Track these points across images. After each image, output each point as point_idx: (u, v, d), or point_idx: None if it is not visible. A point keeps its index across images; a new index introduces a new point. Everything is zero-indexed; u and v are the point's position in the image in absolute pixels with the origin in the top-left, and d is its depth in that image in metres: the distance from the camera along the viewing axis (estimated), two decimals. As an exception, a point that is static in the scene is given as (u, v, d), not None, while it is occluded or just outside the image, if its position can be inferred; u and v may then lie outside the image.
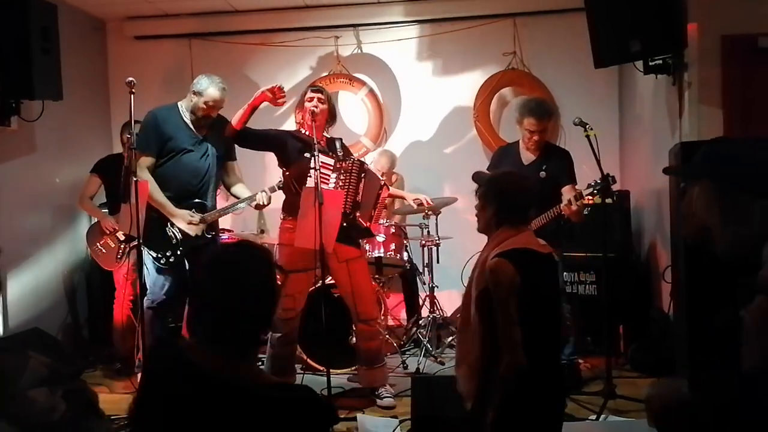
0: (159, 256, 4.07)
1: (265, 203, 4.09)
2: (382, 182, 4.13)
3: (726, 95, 3.67)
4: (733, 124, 3.65)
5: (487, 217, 2.69)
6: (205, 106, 4.06)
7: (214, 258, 1.72)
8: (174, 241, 4.06)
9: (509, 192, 2.69)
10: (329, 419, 1.65)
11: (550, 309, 2.56)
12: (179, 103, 4.16)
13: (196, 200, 4.13)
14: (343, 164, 3.92)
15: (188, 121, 4.10)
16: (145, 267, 4.05)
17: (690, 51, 3.75)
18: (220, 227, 5.87)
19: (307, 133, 4.00)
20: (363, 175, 3.98)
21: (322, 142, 4.01)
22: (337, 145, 4.12)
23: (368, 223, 4.02)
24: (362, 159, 4.15)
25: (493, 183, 2.74)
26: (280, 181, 4.11)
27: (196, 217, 4.09)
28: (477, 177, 2.94)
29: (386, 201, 4.30)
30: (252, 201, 4.13)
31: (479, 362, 2.51)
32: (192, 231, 4.07)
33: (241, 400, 1.53)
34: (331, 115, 4.10)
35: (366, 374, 4.11)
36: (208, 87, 4.06)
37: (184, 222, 4.05)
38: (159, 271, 4.10)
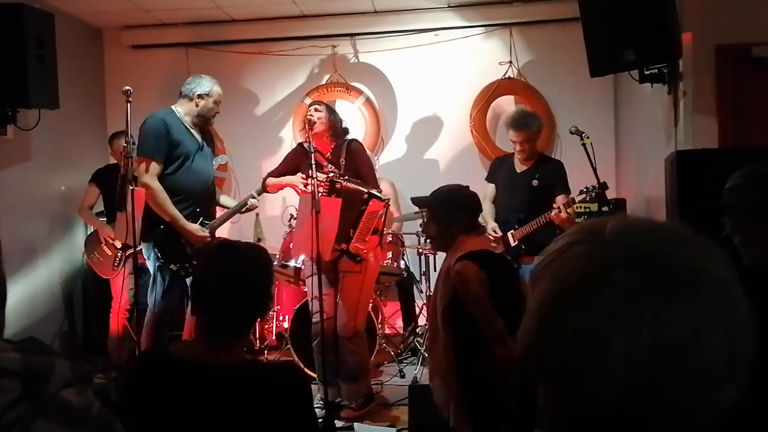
0: (179, 267, 3.95)
1: (256, 206, 4.20)
2: (366, 195, 3.87)
3: (720, 104, 3.68)
4: (728, 133, 3.66)
5: (454, 232, 2.72)
6: (215, 106, 4.05)
7: (215, 254, 1.84)
8: (189, 250, 3.98)
9: (471, 202, 2.78)
10: (303, 389, 1.72)
11: (517, 307, 2.60)
12: (174, 108, 4.08)
13: (204, 209, 4.09)
14: (319, 181, 3.74)
15: (189, 127, 4.07)
16: (156, 277, 3.98)
17: (684, 60, 3.77)
18: (218, 236, 5.88)
19: (312, 146, 3.89)
20: (334, 195, 3.82)
21: (328, 153, 4.03)
22: (343, 151, 4.01)
23: (343, 245, 3.85)
24: (339, 177, 3.88)
25: (454, 198, 2.79)
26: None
27: (206, 231, 4.00)
28: (417, 201, 2.99)
29: (377, 216, 3.93)
30: (244, 206, 4.14)
31: (450, 372, 2.53)
32: (201, 245, 3.98)
33: (219, 384, 1.62)
34: (331, 125, 4.02)
35: (343, 387, 4.04)
36: (213, 86, 4.06)
37: (195, 237, 3.95)
38: (172, 283, 3.99)
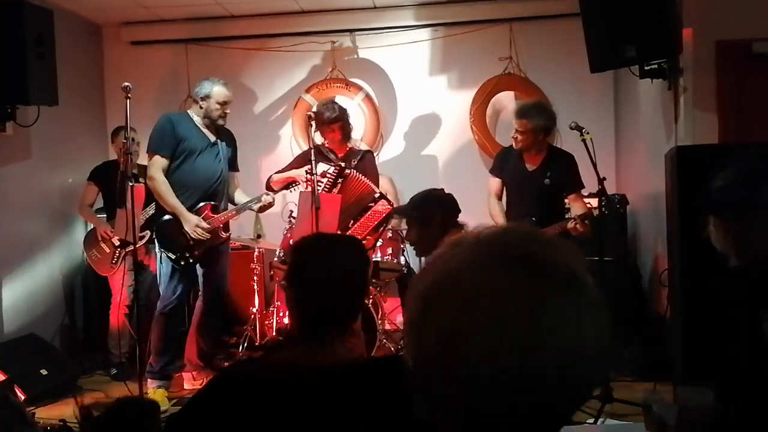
0: (178, 257, 4.06)
1: (271, 202, 4.19)
2: (377, 194, 4.06)
3: (720, 100, 3.68)
4: (728, 129, 3.66)
5: (433, 233, 2.78)
6: (219, 106, 4.15)
7: (315, 246, 1.74)
8: (191, 242, 4.06)
9: (444, 203, 2.88)
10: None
11: None
12: (188, 111, 4.26)
13: (210, 202, 4.15)
14: (327, 172, 4.00)
15: (200, 126, 4.18)
16: (161, 267, 4.08)
17: (685, 56, 3.77)
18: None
19: (326, 145, 4.24)
20: (340, 180, 4.00)
21: (342, 154, 4.17)
22: (356, 158, 4.19)
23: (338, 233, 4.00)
24: (348, 166, 4.13)
25: (425, 201, 2.89)
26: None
27: (204, 223, 4.07)
28: (397, 210, 3.07)
29: (381, 218, 4.10)
30: (258, 202, 4.18)
31: None
32: (200, 237, 4.05)
33: (332, 386, 1.48)
34: (348, 132, 4.32)
35: None
36: (213, 86, 4.15)
37: (192, 227, 4.04)
38: (173, 274, 4.09)
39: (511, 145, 4.38)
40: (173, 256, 4.06)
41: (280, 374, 1.53)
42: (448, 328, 0.68)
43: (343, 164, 4.09)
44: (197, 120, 4.17)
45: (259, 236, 5.25)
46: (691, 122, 3.75)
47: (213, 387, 1.56)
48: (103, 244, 4.93)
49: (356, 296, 1.70)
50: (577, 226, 3.84)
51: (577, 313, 0.69)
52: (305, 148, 4.95)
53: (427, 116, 6.02)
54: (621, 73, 5.34)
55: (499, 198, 4.36)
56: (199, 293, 4.34)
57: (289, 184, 4.22)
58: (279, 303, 5.27)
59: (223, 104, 4.15)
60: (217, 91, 4.13)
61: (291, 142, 6.03)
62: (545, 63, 5.78)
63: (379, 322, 4.84)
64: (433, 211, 2.82)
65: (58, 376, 4.41)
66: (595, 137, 3.95)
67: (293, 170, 4.19)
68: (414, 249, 3.09)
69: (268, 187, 4.27)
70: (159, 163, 4.03)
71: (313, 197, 3.67)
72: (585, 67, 4.18)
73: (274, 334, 5.19)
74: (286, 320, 4.87)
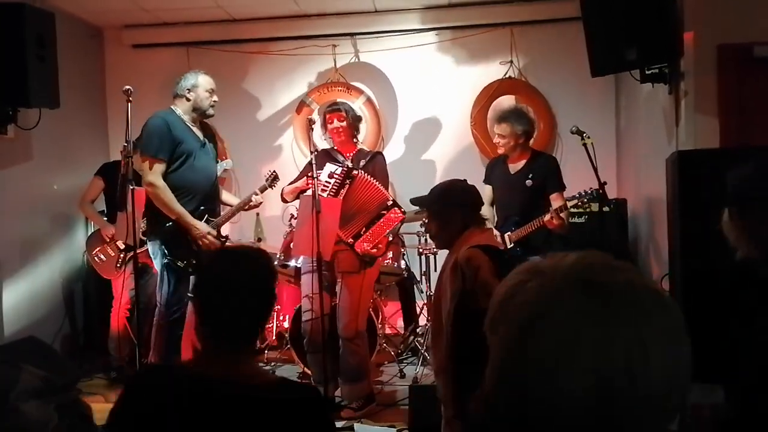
0: (186, 264, 3.95)
1: (261, 202, 4.14)
2: (390, 201, 4.04)
3: (722, 104, 3.67)
4: (730, 133, 3.65)
5: (452, 228, 2.73)
6: (208, 94, 4.03)
7: (218, 260, 1.79)
8: (195, 247, 3.97)
9: (466, 196, 2.79)
10: (326, 414, 1.67)
11: None
12: (173, 108, 4.04)
13: (209, 206, 4.08)
14: (334, 173, 3.97)
15: (190, 125, 4.05)
16: (164, 275, 3.96)
17: (686, 60, 3.76)
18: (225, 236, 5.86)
19: (335, 148, 4.21)
20: (348, 181, 3.97)
21: (350, 155, 4.16)
22: (363, 159, 4.17)
23: (350, 239, 3.98)
24: (356, 167, 4.09)
25: (447, 194, 2.81)
26: (267, 179, 4.14)
27: (212, 228, 3.99)
28: (415, 201, 3.03)
29: (393, 225, 4.10)
30: (248, 203, 4.15)
31: (454, 368, 2.52)
32: (209, 242, 3.95)
33: (240, 403, 1.53)
34: (354, 129, 4.23)
35: (344, 388, 4.08)
36: (198, 76, 4.05)
37: (201, 233, 3.92)
38: (180, 281, 3.99)
39: (500, 155, 4.47)
40: (182, 265, 3.94)
41: (186, 384, 1.56)
42: (543, 362, 0.69)
43: (350, 164, 4.06)
44: (186, 118, 4.01)
45: (259, 239, 5.25)
46: (693, 126, 3.74)
47: (129, 392, 1.63)
48: (108, 247, 4.91)
49: (262, 310, 1.71)
50: (553, 219, 3.89)
51: (658, 337, 0.70)
52: (306, 151, 4.95)
53: (427, 120, 6.02)
54: (622, 78, 5.34)
55: (492, 204, 4.48)
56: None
57: (299, 194, 4.19)
58: (279, 307, 5.27)
59: (212, 92, 4.04)
60: (203, 79, 4.02)
61: (292, 145, 6.03)
62: (546, 67, 5.79)
63: (380, 326, 4.84)
64: (454, 208, 2.76)
65: (58, 379, 4.40)
66: (596, 141, 3.95)
67: (301, 180, 4.18)
68: (433, 241, 3.08)
69: (283, 200, 4.26)
70: (158, 168, 3.83)
71: (314, 201, 3.67)
72: (586, 72, 4.17)
73: (274, 338, 5.20)
74: (286, 324, 4.86)
